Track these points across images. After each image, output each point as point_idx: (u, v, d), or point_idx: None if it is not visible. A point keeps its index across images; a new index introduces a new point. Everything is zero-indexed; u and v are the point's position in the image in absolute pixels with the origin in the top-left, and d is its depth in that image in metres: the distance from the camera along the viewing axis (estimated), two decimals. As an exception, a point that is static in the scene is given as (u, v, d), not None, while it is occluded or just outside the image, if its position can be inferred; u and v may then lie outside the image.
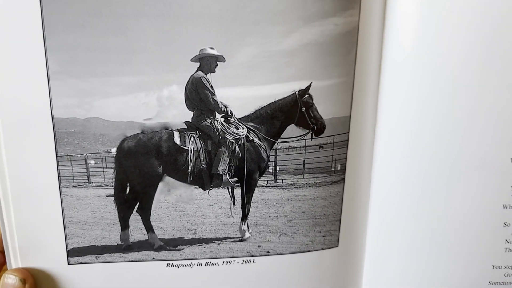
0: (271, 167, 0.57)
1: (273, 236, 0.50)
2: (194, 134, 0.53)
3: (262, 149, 0.56)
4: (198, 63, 0.47)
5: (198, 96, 0.51)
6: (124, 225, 0.50)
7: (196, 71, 0.47)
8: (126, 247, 0.48)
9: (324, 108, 0.48)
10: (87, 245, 0.47)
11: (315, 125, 0.54)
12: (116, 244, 0.48)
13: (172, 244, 0.49)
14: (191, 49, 0.43)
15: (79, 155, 0.49)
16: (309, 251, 0.49)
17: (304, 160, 0.57)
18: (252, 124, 0.55)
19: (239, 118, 0.53)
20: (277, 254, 0.48)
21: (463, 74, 0.45)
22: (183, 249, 0.49)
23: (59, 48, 0.40)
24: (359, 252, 0.51)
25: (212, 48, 0.44)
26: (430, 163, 0.47)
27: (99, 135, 0.47)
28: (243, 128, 0.54)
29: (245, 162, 0.54)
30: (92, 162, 0.53)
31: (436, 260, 0.48)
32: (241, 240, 0.51)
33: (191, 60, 0.44)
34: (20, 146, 0.43)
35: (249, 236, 0.51)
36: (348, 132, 0.47)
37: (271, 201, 0.54)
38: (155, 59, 0.42)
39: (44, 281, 0.46)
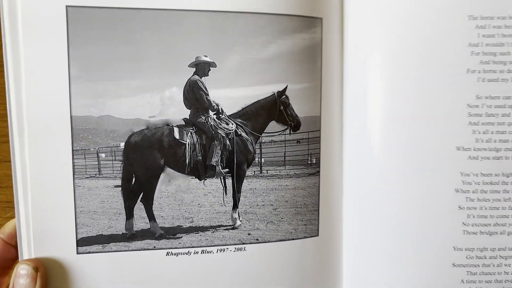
0: (257, 159, 0.60)
1: (261, 224, 0.52)
2: (191, 129, 0.57)
3: (249, 142, 0.60)
4: (194, 68, 0.51)
5: (195, 96, 0.55)
6: (129, 214, 0.51)
7: (193, 75, 0.52)
8: (130, 236, 0.49)
9: (299, 107, 0.52)
10: (95, 234, 0.48)
11: (292, 122, 0.58)
12: (121, 233, 0.49)
13: (172, 233, 0.51)
14: (188, 57, 0.48)
15: (92, 149, 0.52)
16: (293, 239, 0.50)
17: (284, 153, 0.61)
18: (239, 120, 0.59)
19: (229, 115, 0.57)
20: (265, 242, 0.50)
21: (406, 76, 0.48)
22: (181, 237, 0.50)
23: (79, 57, 0.45)
24: (338, 241, 0.52)
25: (205, 56, 0.49)
26: (390, 155, 0.49)
27: (110, 131, 0.50)
28: (232, 124, 0.58)
29: (235, 154, 0.58)
30: (103, 155, 0.56)
31: (403, 244, 0.49)
32: (233, 228, 0.52)
33: (188, 66, 0.49)
34: (42, 141, 0.46)
35: (240, 224, 0.52)
36: (320, 130, 0.51)
37: (258, 190, 0.57)
38: (159, 65, 0.47)
39: (53, 271, 0.46)
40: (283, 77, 0.50)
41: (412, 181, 0.49)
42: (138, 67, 0.46)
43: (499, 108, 0.47)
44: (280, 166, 0.60)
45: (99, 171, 0.57)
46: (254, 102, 0.55)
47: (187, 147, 0.57)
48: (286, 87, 0.50)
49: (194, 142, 0.57)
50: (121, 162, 0.54)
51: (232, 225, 0.52)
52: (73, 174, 0.46)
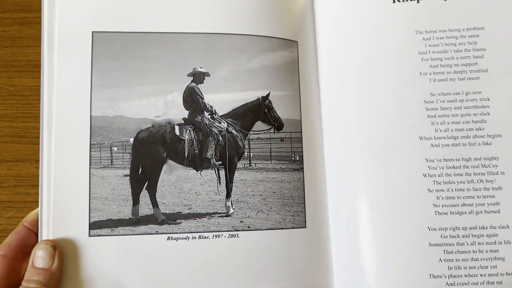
0: (246, 153, 0.63)
1: (252, 212, 0.53)
2: (189, 127, 0.62)
3: (239, 138, 0.63)
4: (192, 77, 0.56)
5: (192, 100, 0.59)
6: (136, 200, 0.54)
7: (190, 82, 0.56)
8: (136, 220, 0.51)
9: (281, 111, 0.56)
10: (105, 219, 0.50)
11: (276, 123, 0.60)
12: (128, 218, 0.51)
13: (172, 218, 0.52)
14: (187, 68, 0.55)
15: (106, 143, 0.54)
16: (282, 228, 0.51)
17: (270, 149, 0.66)
18: (230, 119, 0.63)
19: (221, 115, 0.62)
20: (256, 230, 0.51)
21: (371, 82, 0.54)
22: (181, 223, 0.52)
23: (100, 69, 0.52)
24: (325, 233, 0.52)
25: (201, 68, 0.55)
26: (364, 149, 0.53)
27: (122, 128, 0.54)
28: (224, 123, 0.63)
29: (227, 149, 0.61)
30: (115, 148, 0.60)
31: (384, 229, 0.50)
32: (226, 215, 0.54)
33: (187, 76, 0.55)
34: (65, 136, 0.50)
35: (233, 212, 0.53)
36: (301, 131, 0.54)
37: (248, 181, 0.59)
38: (163, 75, 0.54)
39: (68, 251, 0.48)
40: (266, 85, 0.55)
41: (385, 169, 0.51)
42: (146, 77, 0.53)
43: (451, 102, 0.52)
44: (267, 160, 0.66)
45: (111, 162, 0.61)
46: (242, 105, 0.59)
47: (186, 142, 0.61)
48: (269, 93, 0.55)
49: (192, 138, 0.61)
50: (130, 155, 0.57)
51: (226, 212, 0.54)
52: (90, 165, 0.50)
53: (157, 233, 0.50)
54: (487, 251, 0.48)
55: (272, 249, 0.50)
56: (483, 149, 0.51)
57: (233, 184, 0.58)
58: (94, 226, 0.49)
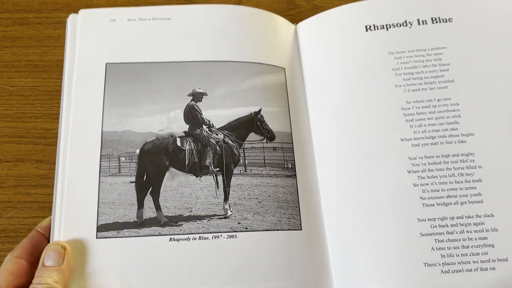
0: (242, 160, 0.67)
1: (249, 214, 0.55)
2: (189, 139, 0.65)
3: (234, 148, 0.67)
4: (192, 97, 0.61)
5: (192, 115, 0.63)
6: (140, 204, 0.56)
7: (190, 101, 0.61)
8: (140, 223, 0.53)
9: (272, 124, 0.62)
10: (112, 222, 0.52)
11: (268, 134, 0.64)
12: (133, 221, 0.53)
13: (174, 221, 0.54)
14: (187, 89, 0.61)
15: (114, 154, 0.57)
16: (278, 229, 0.52)
17: (264, 157, 0.69)
18: (226, 131, 0.67)
19: (218, 128, 0.66)
20: (254, 231, 0.52)
21: (353, 96, 0.59)
22: (182, 224, 0.53)
23: (112, 93, 0.59)
24: (321, 235, 0.53)
25: (199, 88, 0.61)
26: (352, 154, 0.56)
27: (129, 141, 0.58)
28: (220, 134, 0.66)
29: (224, 157, 0.65)
30: (123, 159, 0.62)
31: (377, 225, 0.52)
32: (225, 217, 0.55)
33: (187, 95, 0.61)
34: (79, 148, 0.55)
35: (231, 214, 0.55)
36: (292, 142, 0.58)
37: (244, 186, 0.61)
38: (167, 95, 0.60)
39: (76, 252, 0.50)
40: (258, 102, 0.61)
41: (373, 169, 0.54)
42: (152, 98, 0.59)
43: (426, 108, 0.57)
44: (261, 166, 0.68)
45: (119, 170, 0.63)
46: (236, 119, 0.64)
47: (186, 152, 0.64)
48: (260, 109, 0.61)
49: (192, 148, 0.64)
50: (136, 164, 0.61)
51: (224, 214, 0.56)
52: (99, 173, 0.53)
53: (160, 234, 0.52)
54: (476, 239, 0.50)
55: (269, 249, 0.51)
56: (459, 146, 0.55)
57: (230, 188, 0.61)
58: (102, 228, 0.51)
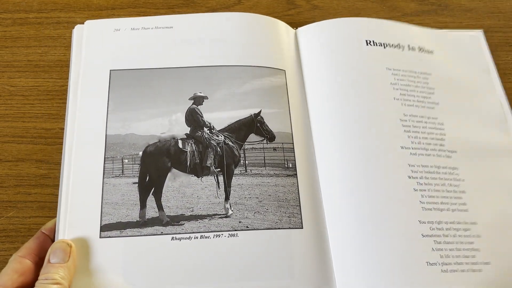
0: (242, 161, 0.68)
1: (249, 213, 0.56)
2: (191, 141, 0.66)
3: (235, 149, 0.69)
4: (193, 100, 0.63)
5: (193, 118, 0.65)
6: (143, 205, 0.57)
7: (191, 104, 0.63)
8: (142, 223, 0.54)
9: (273, 125, 0.64)
10: (115, 222, 0.53)
11: (268, 135, 0.66)
12: (136, 220, 0.54)
13: (176, 220, 0.55)
14: (189, 93, 0.63)
15: (118, 157, 0.59)
16: (279, 228, 0.53)
17: (264, 157, 0.69)
18: (226, 133, 0.68)
19: (218, 130, 0.67)
20: (255, 229, 0.53)
21: (353, 104, 0.62)
22: (183, 224, 0.54)
23: (115, 97, 0.61)
24: (324, 234, 0.54)
25: (200, 92, 0.63)
26: (354, 156, 0.58)
27: (132, 144, 0.60)
28: (221, 136, 0.68)
29: (224, 158, 0.66)
30: (126, 160, 0.63)
31: (381, 226, 0.54)
32: (226, 217, 0.56)
33: (188, 99, 0.63)
34: (84, 151, 0.57)
35: (232, 213, 0.56)
36: (293, 143, 0.59)
37: (245, 185, 0.61)
38: (168, 99, 0.62)
39: (80, 251, 0.51)
40: (258, 104, 0.62)
41: (374, 171, 0.57)
42: (154, 102, 0.61)
43: (419, 122, 0.62)
44: (261, 167, 0.68)
45: (122, 172, 0.63)
46: (236, 121, 0.66)
47: (188, 153, 0.66)
48: (260, 111, 0.63)
49: (193, 150, 0.66)
50: (139, 165, 0.62)
51: (225, 214, 0.57)
52: (103, 174, 0.55)
53: (162, 234, 0.53)
54: (465, 243, 0.54)
55: (270, 248, 0.52)
56: (446, 160, 0.60)
57: (231, 188, 0.62)
58: (105, 228, 0.52)
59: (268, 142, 0.67)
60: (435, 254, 0.52)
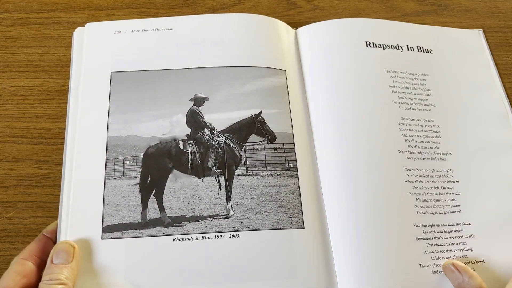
0: (243, 161, 0.69)
1: (251, 214, 0.56)
2: (192, 142, 0.67)
3: (236, 149, 0.69)
4: (194, 102, 0.64)
5: (194, 119, 0.65)
6: (144, 206, 0.58)
7: (192, 106, 0.64)
8: (144, 224, 0.55)
9: (273, 125, 0.64)
10: (116, 223, 0.53)
11: (269, 136, 0.67)
12: (137, 222, 0.55)
13: (177, 221, 0.55)
14: (189, 94, 0.64)
15: (119, 158, 0.60)
16: (280, 228, 0.53)
17: (265, 158, 0.71)
18: (227, 134, 0.69)
19: (219, 131, 0.68)
20: (256, 230, 0.53)
21: (353, 106, 0.63)
22: (185, 225, 0.55)
23: (116, 100, 0.62)
24: (325, 234, 0.54)
25: (201, 93, 0.64)
26: (354, 157, 0.59)
27: (133, 145, 0.60)
28: (222, 137, 0.68)
29: (225, 159, 0.67)
30: (128, 162, 0.64)
31: (378, 228, 0.55)
32: (227, 217, 0.57)
33: (189, 100, 0.64)
34: (86, 153, 0.57)
35: (233, 214, 0.57)
36: (294, 143, 0.60)
37: (246, 186, 0.62)
38: (169, 101, 0.62)
39: (82, 252, 0.51)
40: (258, 105, 0.63)
41: (374, 176, 0.58)
42: (155, 103, 0.62)
43: (415, 126, 0.63)
44: (262, 167, 0.69)
45: (123, 173, 0.66)
46: (237, 121, 0.66)
47: (189, 154, 0.66)
48: (261, 111, 0.64)
49: (194, 151, 0.66)
50: (140, 167, 0.62)
51: (226, 214, 0.57)
52: (105, 176, 0.56)
53: (163, 235, 0.53)
54: (457, 244, 0.55)
55: (272, 248, 0.52)
56: (441, 163, 0.61)
57: (232, 189, 0.62)
58: (107, 229, 0.53)
59: (269, 142, 0.68)
60: (427, 256, 0.54)
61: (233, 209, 0.58)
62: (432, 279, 0.53)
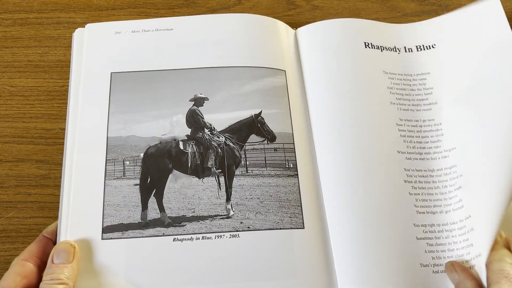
0: (243, 161, 0.69)
1: (251, 214, 0.56)
2: (192, 142, 0.67)
3: (236, 149, 0.70)
4: (193, 102, 0.64)
5: (194, 119, 0.66)
6: (144, 206, 0.58)
7: (192, 106, 0.65)
8: (144, 224, 0.55)
9: (273, 125, 0.64)
10: (117, 223, 0.54)
11: (268, 136, 0.67)
12: (137, 222, 0.55)
13: (177, 221, 0.56)
14: (190, 94, 0.64)
15: (119, 159, 0.61)
16: (280, 228, 0.54)
17: (265, 158, 0.70)
18: (227, 134, 0.69)
19: (219, 131, 0.68)
20: (256, 230, 0.54)
21: (352, 107, 0.63)
22: (185, 225, 0.55)
23: (116, 100, 0.62)
24: (325, 234, 0.55)
25: (201, 94, 0.64)
26: (354, 157, 0.59)
27: (133, 145, 0.61)
28: (222, 137, 0.69)
29: (225, 159, 0.68)
30: (128, 162, 0.64)
31: (377, 229, 0.55)
32: (227, 217, 0.57)
33: (189, 101, 0.64)
34: (86, 153, 0.58)
35: (233, 214, 0.57)
36: (293, 143, 0.60)
37: (246, 186, 0.63)
38: (169, 101, 0.63)
39: (82, 253, 0.51)
40: (258, 105, 0.64)
41: (374, 176, 0.58)
42: (155, 104, 0.62)
43: (414, 127, 0.63)
44: (262, 167, 0.69)
45: (123, 173, 0.65)
46: (237, 122, 0.67)
47: (189, 155, 0.67)
48: (261, 111, 0.64)
49: (194, 151, 0.67)
50: (140, 167, 0.63)
51: (226, 215, 0.58)
52: (105, 177, 0.56)
53: (163, 235, 0.53)
54: (460, 242, 0.55)
55: (272, 248, 0.52)
56: (443, 161, 0.61)
57: (232, 189, 0.63)
58: (107, 230, 0.53)
59: (269, 142, 0.68)
60: (427, 256, 0.54)
61: (233, 209, 0.58)
62: (433, 279, 0.53)
